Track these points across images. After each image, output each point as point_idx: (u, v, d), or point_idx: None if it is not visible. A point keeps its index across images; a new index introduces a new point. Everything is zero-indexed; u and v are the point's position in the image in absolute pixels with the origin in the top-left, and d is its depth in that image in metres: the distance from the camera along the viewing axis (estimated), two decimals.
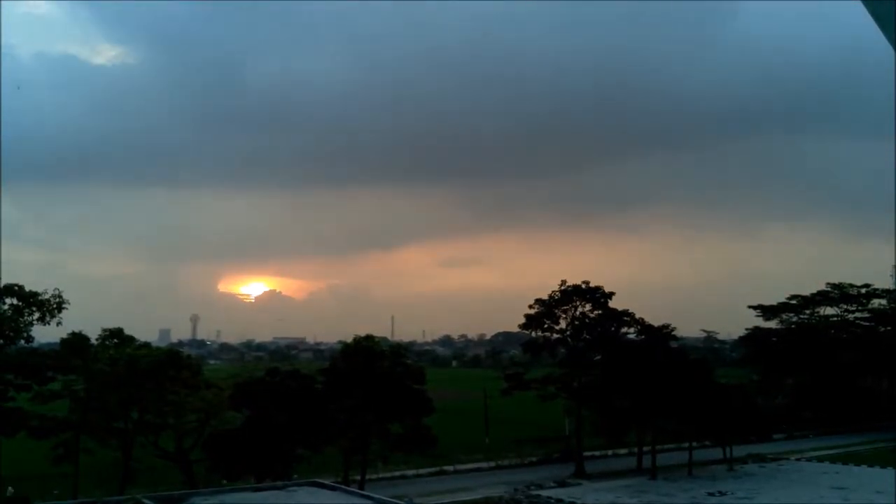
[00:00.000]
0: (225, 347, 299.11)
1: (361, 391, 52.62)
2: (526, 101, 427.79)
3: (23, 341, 47.12)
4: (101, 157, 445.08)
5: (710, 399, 61.70)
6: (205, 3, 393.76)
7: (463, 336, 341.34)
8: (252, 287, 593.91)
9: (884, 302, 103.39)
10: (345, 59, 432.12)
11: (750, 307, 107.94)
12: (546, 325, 68.16)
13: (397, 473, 61.45)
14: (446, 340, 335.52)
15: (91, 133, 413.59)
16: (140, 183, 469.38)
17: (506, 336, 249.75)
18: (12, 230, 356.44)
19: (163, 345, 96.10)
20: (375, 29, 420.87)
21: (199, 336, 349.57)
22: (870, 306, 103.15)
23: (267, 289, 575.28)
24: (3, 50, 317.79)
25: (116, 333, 53.43)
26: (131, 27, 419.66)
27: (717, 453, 68.08)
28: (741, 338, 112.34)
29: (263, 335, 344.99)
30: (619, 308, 68.20)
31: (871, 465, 64.78)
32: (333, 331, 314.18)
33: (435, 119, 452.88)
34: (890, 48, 4.79)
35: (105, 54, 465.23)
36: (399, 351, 59.35)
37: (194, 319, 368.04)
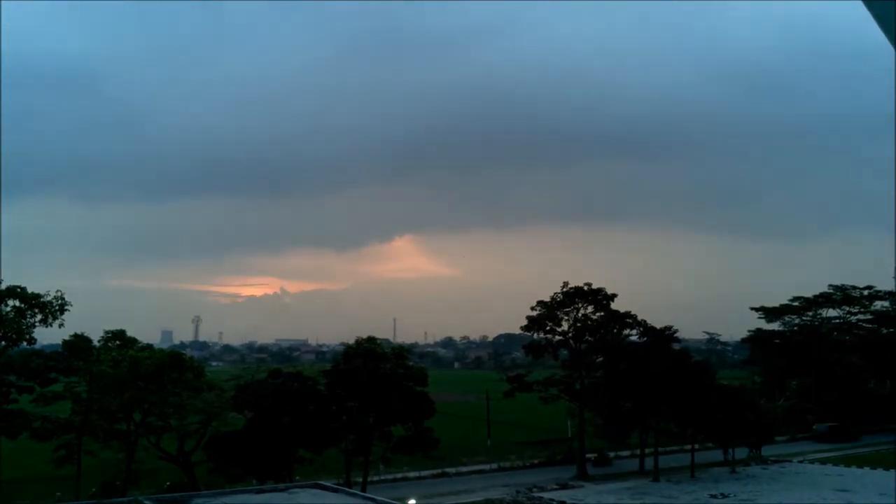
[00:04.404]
0: (227, 349, 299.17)
1: (363, 393, 52.56)
2: (529, 98, 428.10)
3: (25, 343, 47.11)
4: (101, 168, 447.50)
5: (713, 401, 61.63)
6: None
7: (465, 338, 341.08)
8: (254, 289, 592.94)
9: (886, 304, 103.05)
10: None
11: (752, 309, 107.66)
12: (548, 327, 68.04)
13: (399, 475, 61.41)
14: (448, 342, 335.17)
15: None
16: (140, 190, 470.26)
17: (508, 338, 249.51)
18: (18, 234, 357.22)
19: (165, 346, 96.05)
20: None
21: (201, 338, 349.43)
22: (872, 308, 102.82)
23: (269, 290, 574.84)
24: None
25: (119, 335, 53.45)
26: None
27: (719, 455, 68.02)
28: (743, 339, 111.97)
29: (265, 337, 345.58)
30: (622, 310, 68.14)
31: (873, 468, 64.59)
32: (335, 332, 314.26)
33: (438, 116, 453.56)
34: (890, 48, 4.80)
35: None
36: (401, 353, 59.20)
37: (196, 321, 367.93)
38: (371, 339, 58.47)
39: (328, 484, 41.44)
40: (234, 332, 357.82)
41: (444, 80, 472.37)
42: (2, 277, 46.24)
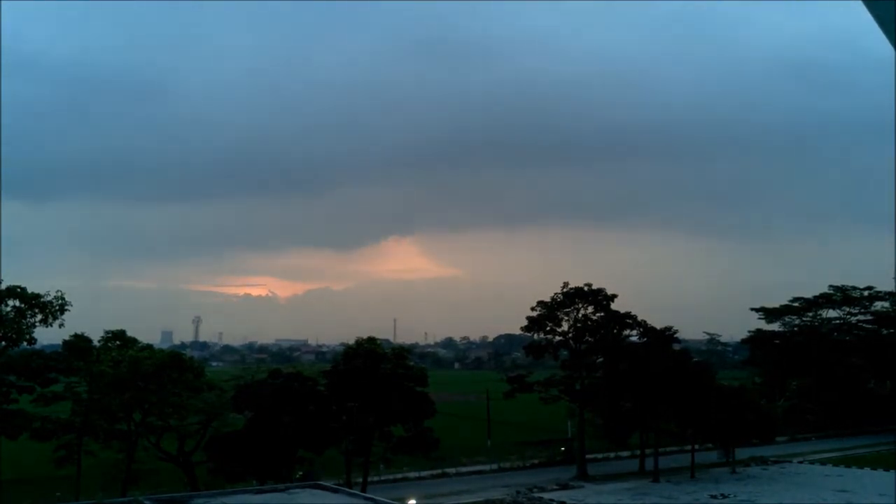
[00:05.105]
0: (227, 349, 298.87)
1: (363, 393, 52.55)
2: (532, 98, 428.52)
3: (25, 343, 47.12)
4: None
5: (713, 401, 61.62)
6: None
7: (465, 338, 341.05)
8: (254, 289, 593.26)
9: (886, 304, 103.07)
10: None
11: (752, 309, 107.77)
12: (548, 328, 68.03)
13: (399, 476, 61.39)
14: (448, 342, 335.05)
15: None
16: (142, 192, 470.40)
17: (508, 338, 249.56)
18: (18, 234, 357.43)
19: (165, 347, 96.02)
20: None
21: (202, 338, 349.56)
22: (872, 309, 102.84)
23: (269, 290, 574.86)
24: None
25: (119, 335, 53.45)
26: None
27: (719, 456, 68.01)
28: (744, 340, 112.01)
29: (265, 337, 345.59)
30: (622, 310, 68.13)
31: (873, 468, 64.60)
32: (335, 332, 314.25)
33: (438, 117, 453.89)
34: (890, 48, 4.81)
35: None
36: (401, 353, 59.12)
37: (196, 321, 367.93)
38: (371, 340, 58.42)
39: (328, 484, 41.46)
40: (235, 333, 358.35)
41: (450, 83, 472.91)
42: (2, 277, 46.33)
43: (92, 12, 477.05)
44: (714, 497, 52.93)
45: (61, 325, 46.66)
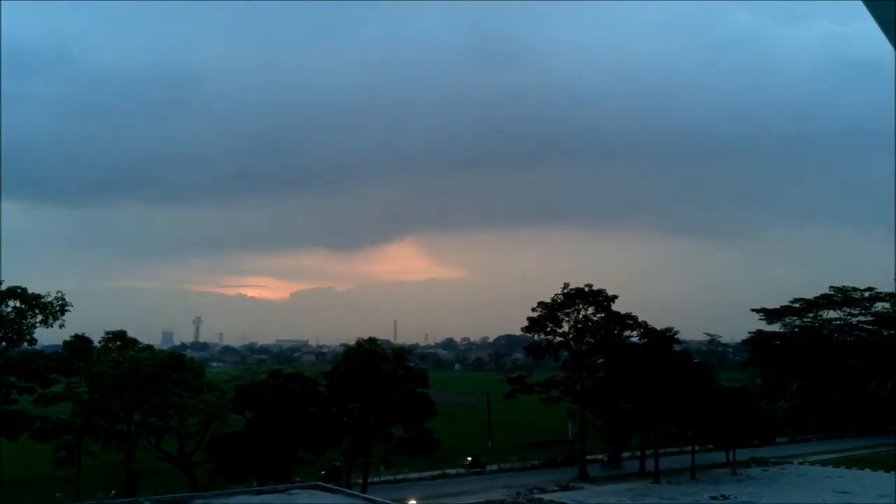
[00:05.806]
0: (227, 350, 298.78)
1: (364, 394, 52.55)
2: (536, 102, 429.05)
3: (26, 344, 47.14)
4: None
5: (714, 403, 61.61)
6: None
7: (465, 339, 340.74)
8: (254, 289, 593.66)
9: (887, 305, 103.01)
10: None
11: (753, 310, 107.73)
12: (549, 329, 68.03)
13: (400, 476, 61.35)
14: (449, 343, 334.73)
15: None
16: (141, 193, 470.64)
17: (508, 339, 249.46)
18: (17, 235, 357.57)
19: (165, 347, 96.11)
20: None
21: (202, 339, 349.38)
22: (873, 309, 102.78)
23: (269, 291, 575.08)
24: None
25: (119, 336, 53.48)
26: None
27: (719, 457, 67.96)
28: (744, 341, 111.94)
29: (266, 337, 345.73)
30: (622, 311, 68.10)
31: (874, 469, 64.55)
32: (336, 333, 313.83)
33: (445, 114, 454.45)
34: (890, 48, 4.81)
35: None
36: (401, 354, 59.10)
37: (197, 322, 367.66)
38: (372, 341, 58.44)
39: (328, 485, 41.44)
40: (235, 333, 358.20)
41: (451, 85, 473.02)
42: (2, 278, 46.35)
43: (88, 11, 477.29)
44: (714, 498, 52.92)
45: (62, 326, 46.75)
